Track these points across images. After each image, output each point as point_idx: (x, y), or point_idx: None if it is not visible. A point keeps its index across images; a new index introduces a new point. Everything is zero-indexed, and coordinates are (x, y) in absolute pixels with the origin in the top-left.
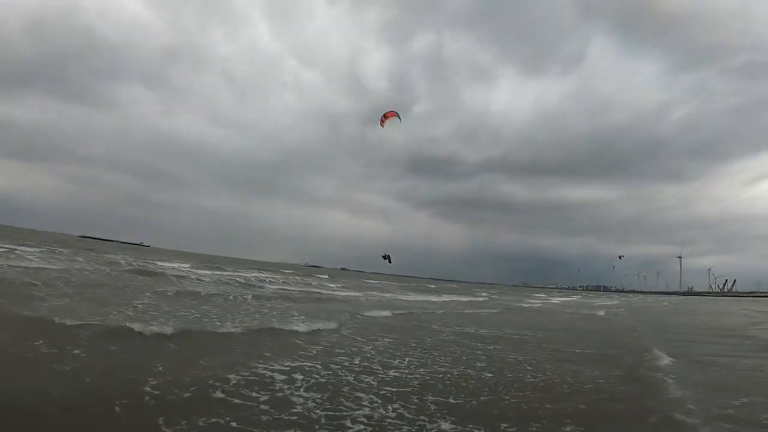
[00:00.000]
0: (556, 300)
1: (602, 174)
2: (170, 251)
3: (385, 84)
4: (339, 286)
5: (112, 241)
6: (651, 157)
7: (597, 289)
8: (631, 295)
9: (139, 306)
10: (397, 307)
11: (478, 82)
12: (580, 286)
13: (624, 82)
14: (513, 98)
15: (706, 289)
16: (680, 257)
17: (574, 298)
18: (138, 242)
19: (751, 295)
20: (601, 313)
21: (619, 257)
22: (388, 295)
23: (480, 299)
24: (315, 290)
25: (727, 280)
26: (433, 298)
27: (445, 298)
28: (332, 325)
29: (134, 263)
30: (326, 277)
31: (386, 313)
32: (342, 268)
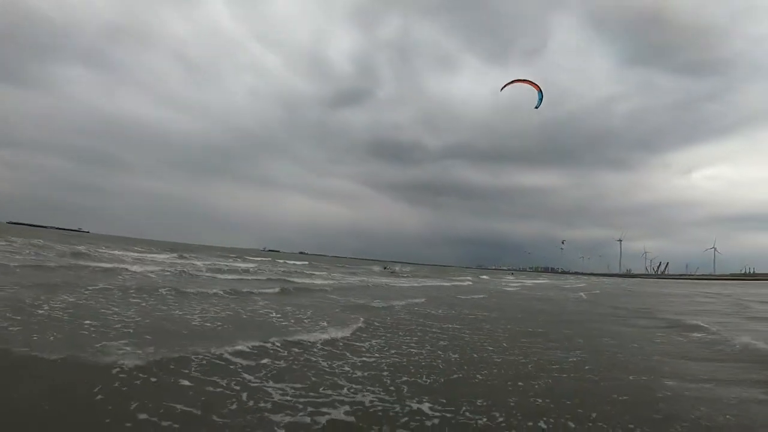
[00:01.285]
0: (529, 282)
1: (554, 162)
2: (114, 238)
3: (349, 68)
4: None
5: (46, 227)
6: (599, 147)
7: (545, 270)
8: (584, 276)
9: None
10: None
11: (442, 70)
12: (529, 268)
13: (579, 74)
14: (475, 86)
15: (642, 271)
16: (620, 241)
17: (541, 280)
18: (76, 228)
19: (707, 278)
20: (584, 295)
21: (562, 242)
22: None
23: (465, 284)
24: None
25: (660, 263)
26: (445, 283)
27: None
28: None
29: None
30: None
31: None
32: (300, 252)
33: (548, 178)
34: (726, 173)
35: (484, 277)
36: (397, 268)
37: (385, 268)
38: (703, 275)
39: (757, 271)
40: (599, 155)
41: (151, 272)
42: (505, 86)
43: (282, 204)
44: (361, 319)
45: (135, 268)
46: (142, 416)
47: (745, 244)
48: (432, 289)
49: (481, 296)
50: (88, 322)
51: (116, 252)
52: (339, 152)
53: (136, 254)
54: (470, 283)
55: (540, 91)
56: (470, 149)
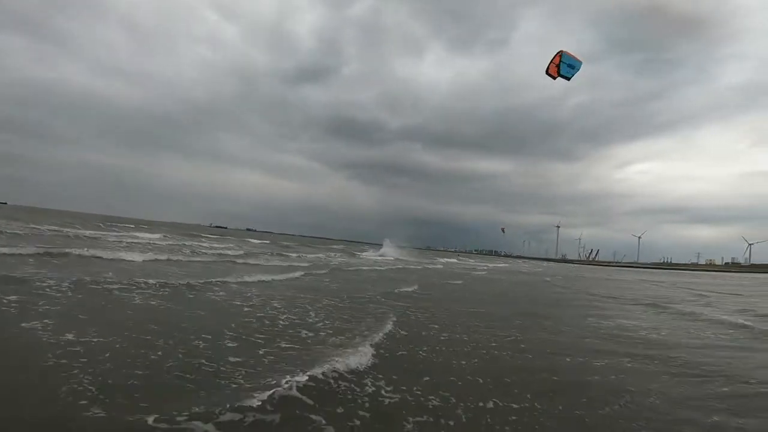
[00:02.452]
0: (491, 266)
1: (505, 149)
2: (37, 209)
3: (314, 44)
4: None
5: None
6: (548, 137)
7: (490, 253)
8: (528, 260)
9: None
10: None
11: (408, 53)
12: (475, 250)
13: (538, 66)
14: (437, 72)
15: (575, 257)
16: (558, 227)
17: (499, 264)
18: None
19: (631, 266)
20: (549, 279)
21: (502, 230)
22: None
23: (439, 266)
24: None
25: (592, 250)
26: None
27: (430, 266)
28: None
29: None
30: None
31: (413, 288)
32: (248, 229)
33: (499, 164)
34: (656, 168)
35: (447, 260)
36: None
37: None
38: (628, 263)
39: (673, 261)
40: (549, 145)
41: None
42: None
43: (231, 179)
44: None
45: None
46: None
47: (665, 235)
48: (415, 274)
49: (460, 282)
50: None
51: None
52: (294, 128)
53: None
54: (441, 267)
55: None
56: (427, 132)
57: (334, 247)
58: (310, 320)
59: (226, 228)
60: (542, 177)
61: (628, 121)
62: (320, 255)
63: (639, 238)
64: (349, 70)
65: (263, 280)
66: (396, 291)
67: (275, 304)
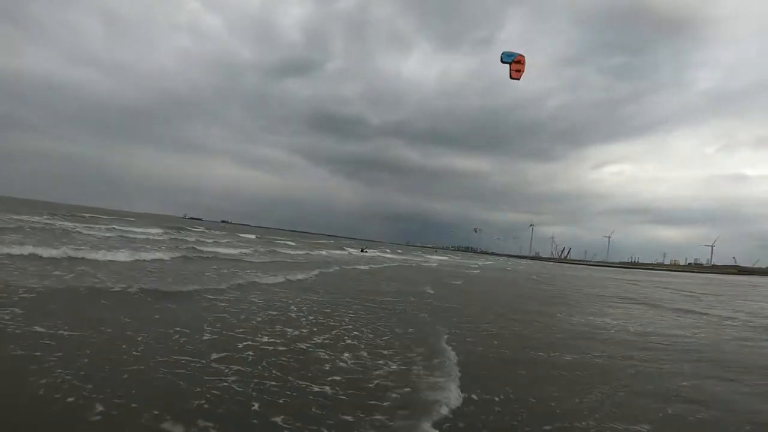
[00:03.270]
0: (480, 263)
1: (485, 147)
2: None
3: (298, 37)
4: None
5: None
6: (527, 137)
7: (466, 250)
8: (504, 258)
9: None
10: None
11: (394, 49)
12: (452, 247)
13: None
14: (422, 69)
15: (548, 255)
16: (532, 225)
17: (485, 261)
18: None
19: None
20: (536, 278)
21: (475, 230)
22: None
23: (434, 265)
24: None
25: (564, 248)
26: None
27: (424, 264)
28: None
29: None
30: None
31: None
32: (223, 221)
33: (478, 162)
34: (629, 170)
35: (437, 257)
36: (368, 250)
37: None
38: (599, 262)
39: (640, 260)
40: (528, 145)
41: None
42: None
43: (206, 170)
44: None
45: None
46: None
47: (633, 235)
48: (421, 273)
49: (460, 282)
50: None
51: None
52: (275, 122)
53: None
54: (436, 265)
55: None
56: (409, 129)
57: (321, 242)
58: (368, 338)
59: (201, 220)
60: (519, 176)
61: (606, 123)
62: (323, 252)
63: (609, 238)
64: (333, 65)
65: (290, 279)
66: (418, 292)
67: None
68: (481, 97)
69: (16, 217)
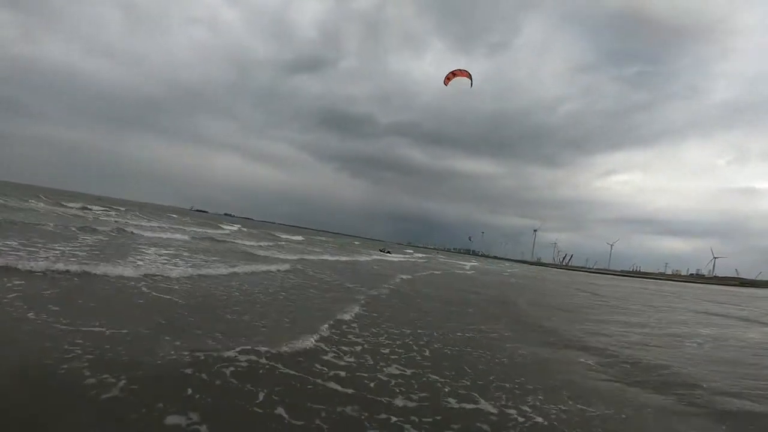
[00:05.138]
0: (503, 268)
1: (492, 151)
2: (16, 184)
3: (314, 35)
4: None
5: None
6: (535, 143)
7: (467, 252)
8: (511, 263)
9: None
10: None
11: (408, 50)
12: (453, 249)
13: (534, 72)
14: (435, 70)
15: (549, 261)
16: (535, 230)
17: (507, 267)
18: None
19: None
20: (577, 287)
21: (469, 238)
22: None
23: (471, 272)
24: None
25: (566, 255)
26: (456, 270)
27: (459, 271)
28: None
29: None
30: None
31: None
32: (225, 214)
33: (484, 165)
34: (636, 179)
35: (460, 262)
36: (390, 251)
37: (381, 250)
38: (600, 269)
39: (642, 269)
40: (535, 150)
41: None
42: (448, 80)
43: (213, 163)
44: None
45: None
46: None
47: (636, 245)
48: (468, 281)
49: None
50: None
51: None
52: (284, 117)
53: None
54: (474, 272)
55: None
56: (418, 130)
57: (327, 240)
58: None
59: (207, 212)
60: (525, 180)
61: (615, 131)
62: (366, 256)
63: (611, 246)
64: (347, 63)
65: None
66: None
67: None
68: (492, 100)
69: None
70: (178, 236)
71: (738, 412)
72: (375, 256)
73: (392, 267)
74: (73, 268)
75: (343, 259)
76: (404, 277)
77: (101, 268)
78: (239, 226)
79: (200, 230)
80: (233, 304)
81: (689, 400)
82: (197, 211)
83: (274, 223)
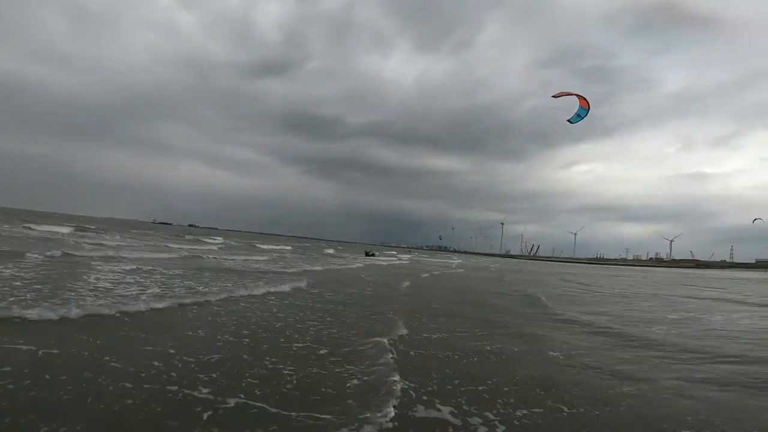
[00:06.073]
0: (484, 263)
1: (460, 147)
2: None
3: (277, 37)
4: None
5: None
6: (500, 138)
7: (439, 249)
8: (483, 257)
9: None
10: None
11: (375, 50)
12: (426, 246)
13: (497, 70)
14: (403, 70)
15: (517, 252)
16: (503, 224)
17: (483, 262)
18: None
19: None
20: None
21: (439, 237)
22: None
23: (460, 270)
24: None
25: (533, 245)
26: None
27: (445, 270)
28: None
29: None
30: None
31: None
32: (190, 225)
33: (452, 162)
34: (597, 169)
35: (442, 260)
36: (376, 253)
37: (367, 253)
38: (567, 258)
39: (605, 256)
40: (500, 145)
41: None
42: (558, 95)
43: (174, 172)
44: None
45: None
46: None
47: (598, 232)
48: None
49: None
50: None
51: None
52: (248, 122)
53: None
54: (463, 270)
55: (585, 108)
56: (388, 129)
57: (305, 245)
58: None
59: (171, 224)
60: (490, 175)
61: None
62: (357, 260)
63: (575, 234)
64: (313, 65)
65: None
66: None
67: None
68: (458, 98)
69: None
70: (165, 256)
71: None
72: (367, 261)
73: (399, 271)
74: None
75: (337, 267)
76: (424, 276)
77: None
78: (221, 238)
79: (186, 246)
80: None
81: None
82: (160, 223)
83: (241, 231)
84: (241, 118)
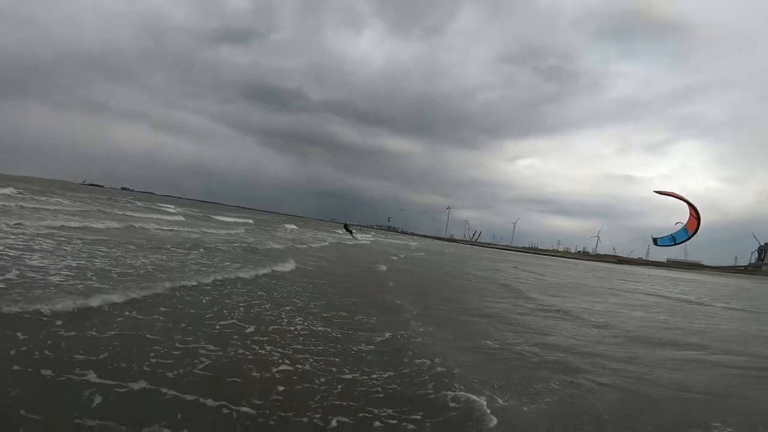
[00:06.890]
0: (439, 245)
1: (417, 131)
2: None
3: (245, 5)
4: None
5: None
6: (454, 126)
7: (388, 229)
8: (428, 239)
9: None
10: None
11: (347, 27)
12: (376, 225)
13: (462, 59)
14: (372, 50)
15: (461, 237)
16: (449, 208)
17: (452, 249)
18: None
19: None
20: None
21: (388, 219)
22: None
23: (414, 244)
24: None
25: (476, 231)
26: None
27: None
28: None
29: None
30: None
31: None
32: (123, 188)
33: (407, 144)
34: (538, 164)
35: (394, 241)
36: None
37: (347, 229)
38: (505, 245)
39: (539, 246)
40: (453, 132)
41: None
42: (662, 193)
43: (111, 133)
44: None
45: None
46: None
47: (535, 223)
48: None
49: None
50: None
51: None
52: (203, 88)
53: None
54: (424, 253)
55: (689, 233)
56: (350, 107)
57: (263, 218)
58: None
59: (102, 186)
60: (441, 161)
61: (525, 120)
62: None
63: (514, 224)
64: (279, 36)
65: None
66: None
67: None
68: (422, 82)
69: None
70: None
71: None
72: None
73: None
74: None
75: (315, 245)
76: (393, 259)
77: None
78: (181, 208)
79: (147, 216)
80: None
81: None
82: (91, 185)
83: (181, 198)
84: (197, 85)
